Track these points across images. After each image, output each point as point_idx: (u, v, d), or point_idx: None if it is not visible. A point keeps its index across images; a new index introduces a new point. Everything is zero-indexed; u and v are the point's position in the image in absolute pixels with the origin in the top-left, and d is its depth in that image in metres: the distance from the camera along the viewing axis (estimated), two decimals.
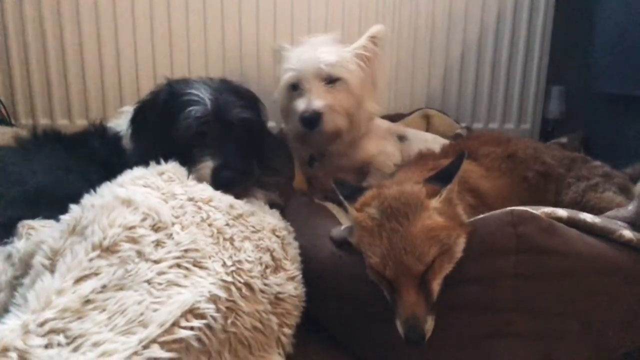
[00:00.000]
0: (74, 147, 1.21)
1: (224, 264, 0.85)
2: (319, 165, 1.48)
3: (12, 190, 0.99)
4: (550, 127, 2.15)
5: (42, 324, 0.66)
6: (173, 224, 0.85)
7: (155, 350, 0.67)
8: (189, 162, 1.09)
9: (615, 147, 1.73)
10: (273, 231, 1.03)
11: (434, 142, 1.51)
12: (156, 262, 0.78)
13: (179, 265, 0.80)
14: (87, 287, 0.72)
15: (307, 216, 1.22)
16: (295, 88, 1.37)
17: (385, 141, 1.51)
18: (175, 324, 0.71)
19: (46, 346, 0.65)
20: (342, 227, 1.03)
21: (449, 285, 0.81)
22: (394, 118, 1.94)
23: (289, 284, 0.96)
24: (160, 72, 1.85)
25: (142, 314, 0.71)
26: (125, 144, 1.24)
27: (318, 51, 1.37)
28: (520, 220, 0.81)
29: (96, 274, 0.74)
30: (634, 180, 1.21)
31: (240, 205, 1.02)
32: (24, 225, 0.91)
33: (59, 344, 0.65)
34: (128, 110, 1.31)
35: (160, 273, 0.77)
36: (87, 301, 0.71)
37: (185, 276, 0.79)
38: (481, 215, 0.86)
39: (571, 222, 0.86)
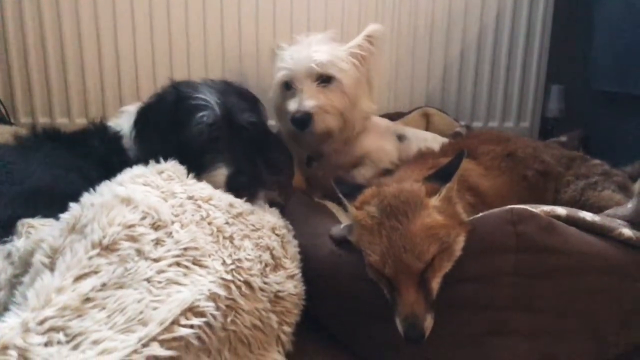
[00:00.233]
0: (73, 146, 1.20)
1: (224, 263, 0.85)
2: (317, 165, 1.48)
3: (12, 188, 0.99)
4: (549, 125, 2.15)
5: (41, 322, 0.66)
6: (173, 222, 0.85)
7: (155, 349, 0.67)
8: (199, 167, 1.08)
9: (615, 146, 1.74)
10: (273, 230, 1.03)
11: (434, 141, 1.52)
12: (156, 260, 0.78)
13: (178, 264, 0.80)
14: (86, 285, 0.72)
15: (307, 215, 1.22)
16: (288, 87, 1.37)
17: (383, 139, 1.51)
18: (175, 322, 0.71)
19: (46, 344, 0.65)
20: (342, 226, 1.03)
21: (448, 284, 0.81)
22: (393, 117, 1.94)
23: (288, 282, 0.96)
24: (159, 71, 1.86)
25: (141, 312, 0.71)
26: (126, 144, 1.23)
27: (311, 50, 1.36)
28: (519, 218, 0.81)
29: (96, 273, 0.74)
30: (633, 179, 1.21)
31: (240, 204, 1.02)
32: (24, 224, 0.91)
33: (58, 342, 0.65)
34: (129, 109, 1.31)
35: (160, 271, 0.77)
36: (87, 299, 0.71)
37: (185, 274, 0.79)
38: (481, 214, 0.87)
39: (570, 221, 0.86)
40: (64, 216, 0.85)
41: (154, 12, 1.82)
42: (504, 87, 2.10)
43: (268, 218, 1.06)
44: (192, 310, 0.74)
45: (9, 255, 0.87)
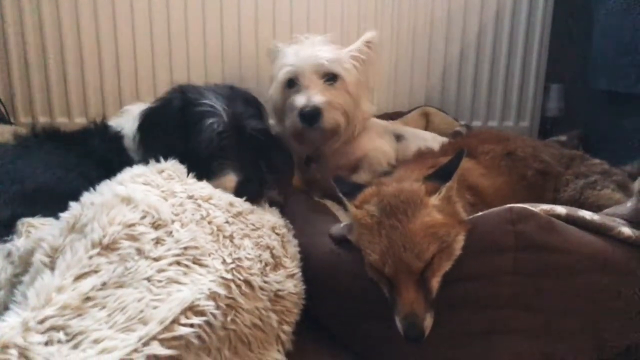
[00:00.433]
0: (74, 146, 1.20)
1: (224, 262, 0.85)
2: (315, 167, 1.48)
3: (12, 188, 0.99)
4: (549, 124, 2.15)
5: (42, 321, 0.67)
6: (173, 221, 0.86)
7: (155, 348, 0.67)
8: (206, 173, 1.09)
9: (614, 145, 1.74)
10: (273, 229, 1.03)
11: (433, 141, 1.51)
12: (156, 259, 0.79)
13: (178, 263, 0.80)
14: (87, 284, 0.72)
15: (307, 214, 1.22)
16: (291, 85, 1.36)
17: (381, 139, 1.51)
18: (175, 321, 0.71)
19: (46, 343, 0.65)
20: (342, 225, 1.03)
21: (448, 283, 0.81)
22: (393, 116, 1.94)
23: (288, 281, 0.96)
24: (159, 71, 1.86)
25: (142, 311, 0.71)
26: (127, 144, 1.24)
27: (316, 49, 1.37)
28: (519, 217, 0.81)
29: (96, 272, 0.75)
30: (632, 178, 1.21)
31: (240, 203, 1.02)
32: (24, 223, 0.91)
33: (59, 341, 0.66)
34: (130, 109, 1.31)
35: (160, 270, 0.77)
36: (87, 298, 0.71)
37: (185, 273, 0.79)
38: (480, 213, 0.87)
39: (570, 220, 0.86)
40: (64, 215, 0.85)
41: (154, 11, 1.82)
42: (504, 86, 2.10)
43: (268, 217, 1.06)
44: (192, 309, 0.74)
45: (9, 254, 0.87)
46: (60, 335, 0.66)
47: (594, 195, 1.11)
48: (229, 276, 0.83)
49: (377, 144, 1.48)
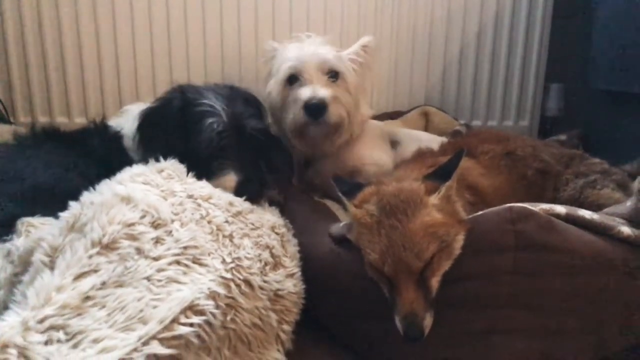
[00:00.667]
0: (73, 145, 1.20)
1: (224, 261, 0.85)
2: (312, 172, 1.47)
3: (11, 187, 0.99)
4: (548, 124, 2.15)
5: (41, 321, 0.67)
6: (172, 221, 0.86)
7: (155, 347, 0.67)
8: (206, 172, 1.09)
9: (614, 144, 1.74)
10: (272, 228, 1.03)
11: (430, 142, 1.51)
12: (155, 259, 0.79)
13: (178, 262, 0.80)
14: (86, 284, 0.72)
15: (306, 213, 1.22)
16: (292, 81, 1.35)
17: (379, 149, 1.51)
18: (175, 320, 0.71)
19: (46, 342, 0.65)
20: (341, 224, 1.03)
21: (447, 282, 0.81)
22: (392, 116, 1.94)
23: (288, 281, 0.96)
24: (159, 70, 1.86)
25: (141, 311, 0.71)
26: (126, 143, 1.24)
27: (318, 46, 1.37)
28: (518, 217, 0.81)
29: (95, 271, 0.75)
30: (632, 177, 1.21)
31: (240, 203, 1.02)
32: (24, 223, 0.91)
33: (58, 341, 0.66)
34: (130, 109, 1.31)
35: (160, 270, 0.77)
36: (87, 298, 0.71)
37: (185, 273, 0.79)
38: (480, 212, 0.87)
39: (570, 219, 0.86)
40: (63, 215, 0.85)
41: (154, 11, 1.82)
42: (503, 85, 2.10)
43: (268, 217, 1.06)
44: (192, 308, 0.74)
45: (8, 254, 0.87)
46: (60, 334, 0.66)
47: (594, 195, 1.11)
48: (229, 275, 0.83)
49: (375, 156, 1.48)
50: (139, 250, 0.79)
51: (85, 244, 0.77)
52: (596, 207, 1.03)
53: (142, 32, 1.83)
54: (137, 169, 0.97)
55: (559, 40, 2.07)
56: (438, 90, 2.11)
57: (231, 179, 1.12)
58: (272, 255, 0.96)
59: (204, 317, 0.74)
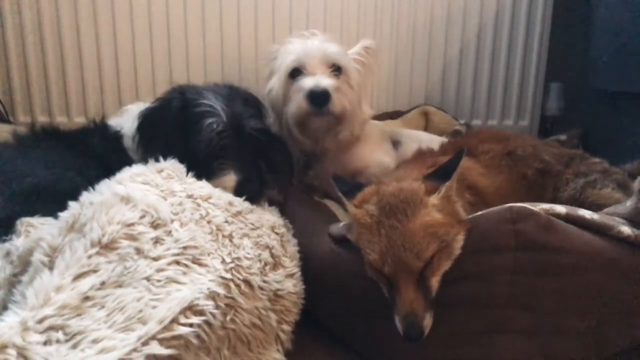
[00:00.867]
0: (73, 145, 1.20)
1: (223, 261, 0.85)
2: (313, 174, 1.47)
3: (11, 187, 0.98)
4: (548, 123, 2.15)
5: (40, 321, 0.66)
6: (172, 221, 0.85)
7: (154, 347, 0.67)
8: (206, 173, 1.09)
9: (614, 144, 1.74)
10: (272, 228, 1.03)
11: (430, 143, 1.51)
12: (155, 259, 0.79)
13: (177, 262, 0.80)
14: (86, 284, 0.72)
15: (306, 213, 1.22)
16: (295, 75, 1.35)
17: (380, 150, 1.51)
18: (174, 320, 0.71)
19: (45, 343, 0.65)
20: (341, 224, 1.03)
21: (447, 282, 0.81)
22: (392, 115, 1.94)
23: (287, 281, 0.96)
24: (158, 70, 1.86)
25: (141, 311, 0.71)
26: (126, 143, 1.23)
27: (322, 41, 1.37)
28: (518, 216, 0.81)
29: (95, 271, 0.74)
30: (632, 177, 1.21)
31: (239, 203, 1.02)
32: (23, 223, 0.90)
33: (57, 341, 0.66)
34: (131, 108, 1.31)
35: (159, 270, 0.77)
36: (86, 298, 0.71)
37: (184, 273, 0.79)
38: (480, 212, 0.87)
39: (570, 219, 0.86)
40: (63, 215, 0.84)
41: (153, 11, 1.82)
42: (503, 85, 2.10)
43: (267, 217, 1.06)
44: (191, 308, 0.74)
45: (8, 254, 0.87)
46: (59, 335, 0.66)
47: (594, 195, 1.11)
48: (228, 276, 0.83)
49: (377, 157, 1.47)
50: (138, 251, 0.78)
51: (84, 244, 0.77)
52: (596, 207, 1.03)
53: (142, 32, 1.83)
54: (136, 168, 0.97)
55: (559, 40, 2.07)
56: (438, 89, 2.11)
57: (231, 178, 1.13)
58: (272, 255, 0.96)
59: (203, 317, 0.74)
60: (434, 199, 0.82)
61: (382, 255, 0.79)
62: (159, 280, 0.76)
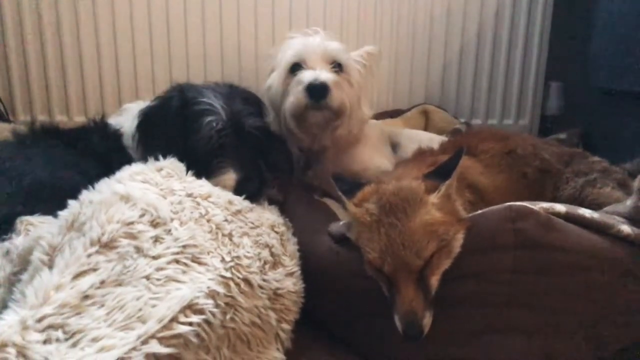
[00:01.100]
0: (72, 143, 1.20)
1: (223, 260, 0.85)
2: (312, 174, 1.47)
3: (10, 186, 0.98)
4: (548, 123, 2.15)
5: (40, 320, 0.66)
6: (172, 219, 0.85)
7: (154, 346, 0.67)
8: (206, 171, 1.09)
9: (614, 143, 1.74)
10: (272, 227, 1.03)
11: (430, 142, 1.51)
12: (155, 257, 0.78)
13: (177, 261, 0.80)
14: (85, 282, 0.72)
15: (306, 212, 1.22)
16: (295, 70, 1.34)
17: (380, 153, 1.50)
18: (174, 319, 0.71)
19: (44, 342, 0.65)
20: (341, 223, 1.02)
21: (447, 281, 0.81)
22: (392, 114, 1.94)
23: (287, 279, 0.96)
24: (158, 69, 1.86)
25: (140, 310, 0.71)
26: (126, 142, 1.24)
27: (323, 38, 1.37)
28: (518, 215, 0.81)
29: (94, 270, 0.74)
30: (632, 176, 1.21)
31: (239, 201, 1.02)
32: (23, 221, 0.91)
33: (57, 340, 0.66)
34: (130, 107, 1.31)
35: (159, 269, 0.77)
36: (86, 297, 0.71)
37: (184, 272, 0.79)
38: (480, 211, 0.86)
39: (570, 218, 0.86)
40: (62, 214, 0.84)
41: (153, 10, 1.82)
42: (503, 84, 2.10)
43: (267, 215, 1.06)
44: (191, 307, 0.74)
45: (7, 252, 0.87)
46: (59, 333, 0.66)
47: (594, 193, 1.11)
48: (228, 274, 0.83)
49: (376, 160, 1.47)
50: (138, 249, 0.78)
51: (84, 243, 0.77)
52: (596, 206, 1.03)
53: (142, 31, 1.83)
54: (136, 167, 0.97)
55: (559, 39, 2.07)
56: (438, 88, 2.11)
57: (230, 177, 1.13)
58: (272, 254, 0.96)
59: (203, 316, 0.74)
60: (433, 198, 0.82)
61: (381, 254, 0.79)
62: (158, 279, 0.76)
